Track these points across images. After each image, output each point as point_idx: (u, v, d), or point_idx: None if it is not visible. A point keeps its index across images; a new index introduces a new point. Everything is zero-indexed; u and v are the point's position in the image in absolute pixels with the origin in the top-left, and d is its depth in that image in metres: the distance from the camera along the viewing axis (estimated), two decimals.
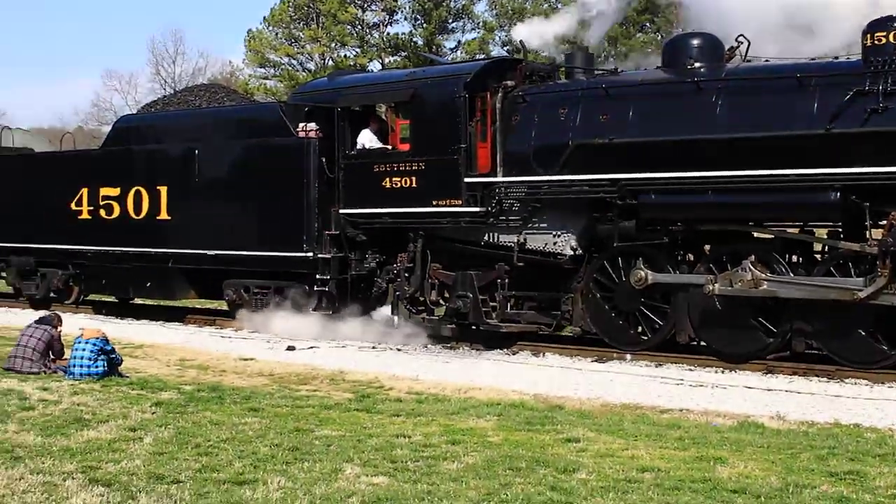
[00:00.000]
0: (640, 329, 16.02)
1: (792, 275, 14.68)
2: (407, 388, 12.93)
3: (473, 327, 17.38)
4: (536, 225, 16.60)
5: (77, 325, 17.30)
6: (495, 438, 9.63)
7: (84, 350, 13.06)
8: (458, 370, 14.63)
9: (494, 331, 17.07)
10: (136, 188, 21.41)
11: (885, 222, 14.08)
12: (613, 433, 9.97)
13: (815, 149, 14.00)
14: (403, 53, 53.83)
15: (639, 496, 7.63)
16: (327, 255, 18.49)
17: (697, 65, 15.40)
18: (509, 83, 16.90)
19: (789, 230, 15.23)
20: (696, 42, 15.70)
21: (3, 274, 24.94)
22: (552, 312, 16.78)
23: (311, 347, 16.97)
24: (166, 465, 8.39)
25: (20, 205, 23.96)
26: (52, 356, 13.70)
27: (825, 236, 15.19)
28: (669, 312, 15.57)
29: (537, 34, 18.98)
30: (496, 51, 51.62)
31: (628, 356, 15.63)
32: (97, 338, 13.30)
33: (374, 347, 17.18)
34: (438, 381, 13.51)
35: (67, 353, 13.62)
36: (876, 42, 14.05)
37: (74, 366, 13.04)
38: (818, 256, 15.17)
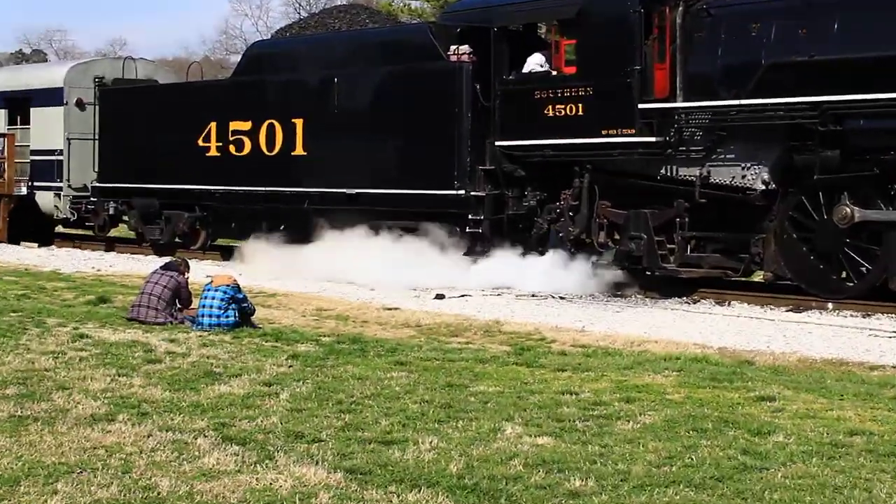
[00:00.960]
0: (843, 274, 15.75)
1: None
2: (572, 340, 12.91)
3: (648, 273, 17.23)
4: (722, 156, 16.35)
5: (204, 272, 17.68)
6: (675, 396, 9.52)
7: (214, 298, 13.16)
8: (631, 320, 14.55)
9: (672, 276, 16.99)
10: (269, 121, 21.53)
11: None
12: (814, 391, 9.75)
13: None
14: None
15: (848, 462, 7.42)
16: (481, 193, 18.50)
17: None
18: None
19: None
20: None
21: (126, 218, 25.40)
22: (739, 256, 16.68)
23: (463, 296, 16.97)
24: (306, 422, 8.41)
25: (143, 142, 24.39)
26: (178, 305, 13.83)
27: None
28: (880, 255, 15.15)
29: None
30: None
31: (830, 305, 15.38)
32: (228, 285, 13.40)
33: (533, 295, 17.12)
34: (608, 332, 13.47)
35: (195, 302, 13.79)
36: None
37: (203, 315, 13.15)
38: None
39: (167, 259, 15.96)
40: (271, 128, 21.43)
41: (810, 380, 10.37)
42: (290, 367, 10.75)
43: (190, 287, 14.20)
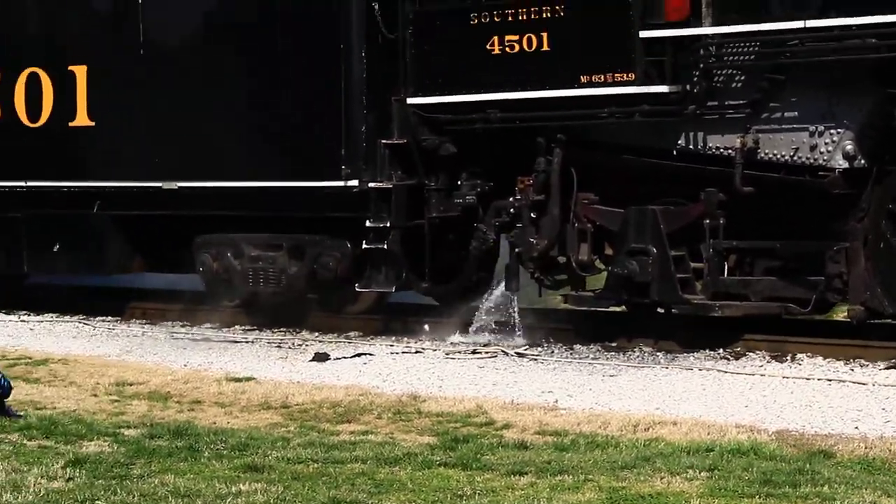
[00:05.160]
0: None
1: None
2: (537, 422, 13.05)
3: (660, 309, 17.25)
4: (778, 115, 16.00)
5: None
6: None
7: None
8: (633, 389, 14.52)
9: (700, 315, 16.77)
10: (28, 71, 20.86)
11: None
12: None
13: None
14: None
15: None
16: (386, 185, 18.30)
17: None
18: None
19: None
20: None
21: None
22: (809, 280, 16.27)
23: (359, 355, 16.84)
24: None
25: None
26: None
27: None
28: None
29: None
30: None
31: None
32: None
33: (474, 352, 17.06)
34: (594, 409, 13.61)
35: None
36: None
37: None
38: None
39: None
40: (34, 81, 20.56)
41: None
42: (69, 480, 10.51)
43: None
